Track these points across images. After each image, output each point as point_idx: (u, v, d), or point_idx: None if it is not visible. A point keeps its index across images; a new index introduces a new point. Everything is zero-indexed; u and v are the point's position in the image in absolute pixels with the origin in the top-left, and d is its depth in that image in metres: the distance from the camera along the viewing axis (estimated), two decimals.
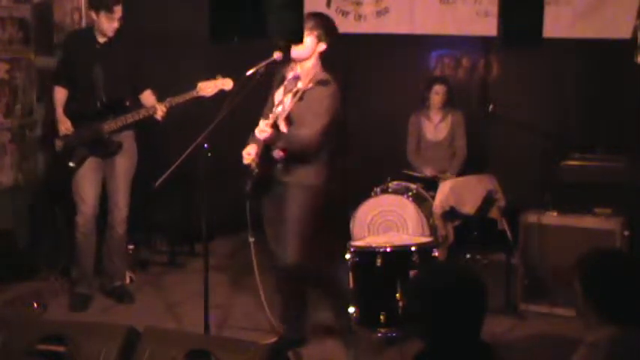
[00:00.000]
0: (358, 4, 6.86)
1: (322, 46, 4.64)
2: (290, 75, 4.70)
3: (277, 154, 4.60)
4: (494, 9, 6.41)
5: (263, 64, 4.56)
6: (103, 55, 5.44)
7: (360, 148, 6.99)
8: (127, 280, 5.87)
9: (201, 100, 5.26)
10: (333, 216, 5.22)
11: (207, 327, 4.57)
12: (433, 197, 6.05)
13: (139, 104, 5.48)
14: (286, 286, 4.79)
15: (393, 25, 6.79)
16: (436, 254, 4.75)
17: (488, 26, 6.39)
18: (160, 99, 5.42)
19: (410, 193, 6.00)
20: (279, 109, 4.61)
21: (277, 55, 4.58)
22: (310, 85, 4.54)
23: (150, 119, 5.38)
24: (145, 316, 5.20)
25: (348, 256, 4.65)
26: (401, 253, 4.62)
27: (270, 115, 4.57)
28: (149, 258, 6.61)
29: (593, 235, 5.17)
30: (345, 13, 6.83)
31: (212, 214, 4.56)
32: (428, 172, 6.48)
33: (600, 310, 2.68)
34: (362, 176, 6.52)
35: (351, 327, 4.68)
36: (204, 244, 4.67)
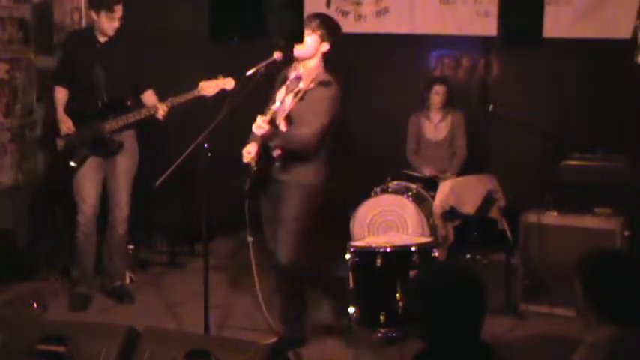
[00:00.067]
0: (358, 4, 6.86)
1: (325, 47, 4.64)
2: (292, 75, 4.71)
3: (275, 152, 4.60)
4: (494, 9, 6.41)
5: (263, 64, 4.56)
6: (103, 55, 5.44)
7: (360, 148, 6.99)
8: (127, 280, 5.87)
9: (202, 99, 5.26)
10: (332, 216, 5.22)
11: (207, 327, 4.57)
12: (433, 197, 6.05)
13: (140, 104, 5.49)
14: (285, 286, 4.79)
15: (393, 25, 6.79)
16: (436, 254, 4.75)
17: (488, 26, 6.38)
18: (160, 99, 5.42)
19: (410, 193, 6.00)
20: (277, 105, 4.62)
21: (277, 55, 4.59)
22: (312, 85, 4.54)
23: (151, 119, 5.38)
24: (145, 316, 5.20)
25: (348, 256, 4.66)
26: (401, 253, 4.62)
27: (268, 112, 4.58)
28: (149, 258, 6.61)
29: (593, 235, 5.17)
30: (345, 13, 6.83)
31: (212, 214, 4.56)
32: (427, 172, 6.49)
33: (600, 310, 2.68)
34: (362, 176, 6.52)
35: (351, 327, 4.68)
36: (204, 244, 4.67)
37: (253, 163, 4.63)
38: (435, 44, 7.06)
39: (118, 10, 5.34)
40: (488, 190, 5.83)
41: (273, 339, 4.70)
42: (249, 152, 4.66)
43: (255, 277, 4.67)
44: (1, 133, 6.10)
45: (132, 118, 5.38)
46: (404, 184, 6.18)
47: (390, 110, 6.92)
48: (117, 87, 5.42)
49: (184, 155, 4.50)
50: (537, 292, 5.36)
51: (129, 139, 5.53)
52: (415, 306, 2.65)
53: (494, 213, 5.84)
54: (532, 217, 5.38)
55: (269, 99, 4.76)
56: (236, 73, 5.04)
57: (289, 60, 4.71)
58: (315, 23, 4.61)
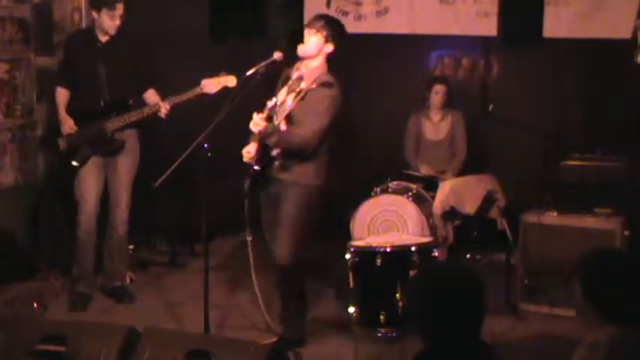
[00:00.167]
0: (358, 4, 6.86)
1: (329, 48, 4.64)
2: (295, 75, 4.70)
3: (275, 151, 4.60)
4: (494, 9, 6.41)
5: (263, 64, 4.56)
6: (105, 54, 5.44)
7: (360, 148, 6.99)
8: (127, 280, 5.87)
9: (204, 97, 5.26)
10: (331, 216, 5.22)
11: (207, 327, 4.57)
12: (433, 197, 6.05)
13: (141, 103, 5.48)
14: (285, 286, 4.79)
15: (393, 25, 6.79)
16: (436, 254, 4.74)
17: (488, 26, 6.39)
18: (160, 98, 5.42)
19: (410, 193, 6.00)
20: (272, 101, 4.61)
21: (277, 55, 4.59)
22: (313, 85, 4.54)
23: (153, 117, 5.38)
24: (145, 316, 5.19)
25: (348, 256, 4.65)
26: (401, 253, 4.61)
27: (265, 109, 4.58)
28: (149, 258, 6.60)
29: (593, 235, 5.17)
30: (345, 13, 6.82)
31: (212, 214, 4.56)
32: (424, 170, 6.49)
33: (600, 310, 2.68)
34: (362, 176, 6.52)
35: (351, 327, 4.69)
36: (204, 244, 4.67)
37: (253, 163, 4.63)
38: (435, 44, 7.06)
39: (119, 7, 5.34)
40: (488, 190, 5.83)
41: (273, 339, 4.70)
42: (249, 152, 4.66)
43: (255, 277, 4.67)
44: (1, 133, 6.10)
45: (134, 116, 5.38)
46: (404, 184, 6.18)
47: (390, 110, 6.92)
48: (118, 86, 5.42)
49: (184, 155, 4.50)
50: (537, 292, 5.36)
51: (130, 138, 5.53)
52: (415, 306, 2.65)
53: (494, 213, 5.84)
54: (532, 217, 5.38)
55: (269, 99, 4.76)
56: (236, 73, 5.04)
57: (289, 60, 4.71)
58: (320, 24, 4.61)
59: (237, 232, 6.18)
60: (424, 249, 4.67)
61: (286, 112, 4.56)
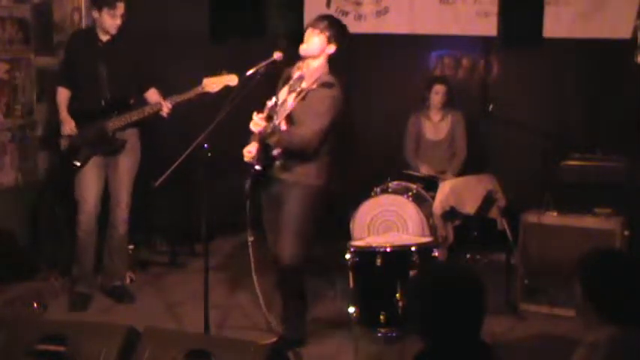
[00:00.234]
0: (358, 4, 6.87)
1: (332, 48, 4.64)
2: (296, 75, 4.70)
3: (276, 151, 4.60)
4: (494, 9, 6.44)
5: (263, 64, 4.57)
6: (106, 54, 5.43)
7: (360, 148, 6.99)
8: (127, 280, 5.87)
9: (206, 96, 5.25)
10: (331, 216, 5.22)
11: (207, 327, 4.57)
12: (433, 197, 6.05)
13: (143, 102, 5.48)
14: (286, 286, 4.79)
15: (393, 25, 6.79)
16: (436, 254, 4.74)
17: (488, 26, 6.40)
18: (162, 98, 5.42)
19: (410, 193, 6.00)
20: (272, 101, 4.61)
21: (277, 55, 4.59)
22: (314, 85, 4.54)
23: (154, 117, 5.38)
24: (145, 316, 5.19)
25: (348, 256, 4.65)
26: (401, 253, 4.62)
27: (265, 109, 4.58)
28: (149, 258, 6.60)
29: (593, 235, 5.17)
30: (345, 13, 6.82)
31: (212, 214, 4.56)
32: (424, 170, 6.49)
33: (600, 310, 2.68)
34: (362, 176, 6.52)
35: (351, 326, 4.69)
36: (204, 244, 4.67)
37: (254, 163, 4.63)
38: (435, 44, 7.06)
39: (120, 6, 5.34)
40: (488, 190, 5.83)
41: (273, 339, 4.70)
42: (250, 152, 4.65)
43: (255, 277, 4.67)
44: (1, 133, 6.10)
45: (135, 116, 5.38)
46: (404, 184, 6.18)
47: (390, 110, 6.92)
48: (120, 85, 5.42)
49: (184, 155, 4.50)
50: (537, 292, 5.36)
51: (132, 137, 5.52)
52: (415, 306, 2.65)
53: (494, 213, 5.84)
54: (532, 217, 5.38)
55: (270, 98, 4.76)
56: (236, 73, 5.04)
57: (289, 60, 4.71)
58: (323, 24, 4.61)
59: (237, 232, 6.19)
60: (424, 249, 4.67)
61: (287, 111, 4.55)
